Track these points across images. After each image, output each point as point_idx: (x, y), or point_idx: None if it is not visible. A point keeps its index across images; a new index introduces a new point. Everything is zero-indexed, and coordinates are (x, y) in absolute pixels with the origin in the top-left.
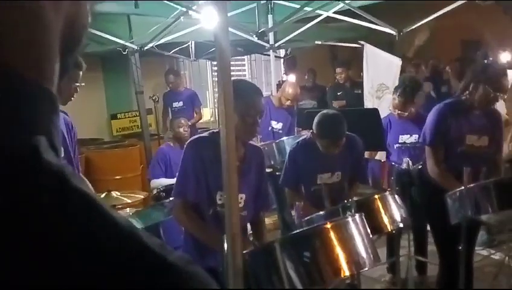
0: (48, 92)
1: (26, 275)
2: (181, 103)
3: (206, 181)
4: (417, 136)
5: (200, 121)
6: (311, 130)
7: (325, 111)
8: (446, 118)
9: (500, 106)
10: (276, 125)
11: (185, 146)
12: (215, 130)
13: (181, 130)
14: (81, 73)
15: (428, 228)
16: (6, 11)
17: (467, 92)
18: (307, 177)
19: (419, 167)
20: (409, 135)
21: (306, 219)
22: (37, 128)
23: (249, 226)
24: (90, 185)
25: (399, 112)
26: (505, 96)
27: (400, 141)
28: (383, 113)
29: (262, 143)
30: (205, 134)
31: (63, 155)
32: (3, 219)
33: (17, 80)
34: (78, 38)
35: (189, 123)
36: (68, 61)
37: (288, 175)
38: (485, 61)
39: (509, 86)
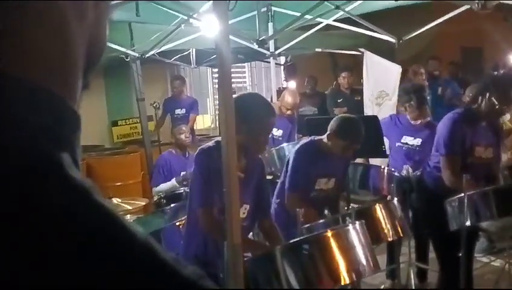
0: (74, 109)
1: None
2: (183, 110)
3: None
4: (420, 140)
5: (200, 127)
6: (328, 132)
7: (345, 115)
8: (460, 127)
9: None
10: (277, 132)
11: (197, 156)
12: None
13: (182, 136)
14: None
15: None
16: (33, 28)
17: (477, 104)
18: (308, 182)
19: (418, 173)
20: (412, 138)
21: (306, 226)
22: (63, 144)
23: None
24: None
25: (415, 121)
26: None
27: (402, 141)
28: None
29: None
30: (211, 143)
31: None
32: (29, 234)
33: (47, 96)
34: (98, 56)
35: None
36: (87, 79)
37: (299, 179)
38: (495, 72)
39: None
